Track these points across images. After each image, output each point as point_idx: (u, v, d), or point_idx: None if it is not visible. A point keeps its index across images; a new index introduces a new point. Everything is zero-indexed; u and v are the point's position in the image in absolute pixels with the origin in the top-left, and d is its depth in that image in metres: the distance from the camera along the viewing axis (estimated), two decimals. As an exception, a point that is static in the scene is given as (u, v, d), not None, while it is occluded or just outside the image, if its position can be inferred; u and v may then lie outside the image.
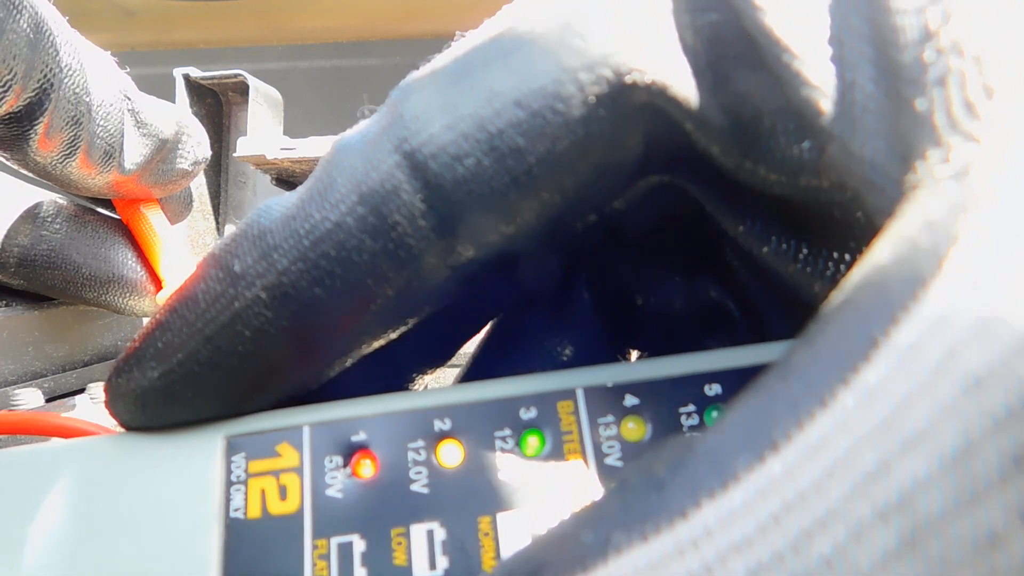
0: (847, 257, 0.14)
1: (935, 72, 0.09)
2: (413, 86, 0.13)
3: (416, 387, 0.20)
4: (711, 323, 0.19)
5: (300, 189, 0.14)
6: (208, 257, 0.14)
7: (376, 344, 0.15)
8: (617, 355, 0.20)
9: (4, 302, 0.33)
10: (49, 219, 0.30)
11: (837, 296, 0.08)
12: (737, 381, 0.15)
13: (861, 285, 0.08)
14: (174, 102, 0.45)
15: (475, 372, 0.20)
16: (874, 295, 0.07)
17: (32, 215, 0.30)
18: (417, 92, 0.13)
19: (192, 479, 0.15)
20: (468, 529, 0.14)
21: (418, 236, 0.13)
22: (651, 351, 0.20)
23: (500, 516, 0.14)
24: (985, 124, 0.08)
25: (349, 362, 0.15)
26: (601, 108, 0.12)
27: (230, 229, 0.47)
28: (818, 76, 0.11)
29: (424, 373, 0.20)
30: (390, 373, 0.19)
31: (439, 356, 0.19)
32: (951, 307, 0.07)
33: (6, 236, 0.30)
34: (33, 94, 0.21)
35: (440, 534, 0.14)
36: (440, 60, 0.13)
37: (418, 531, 0.14)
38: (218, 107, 0.48)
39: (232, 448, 0.15)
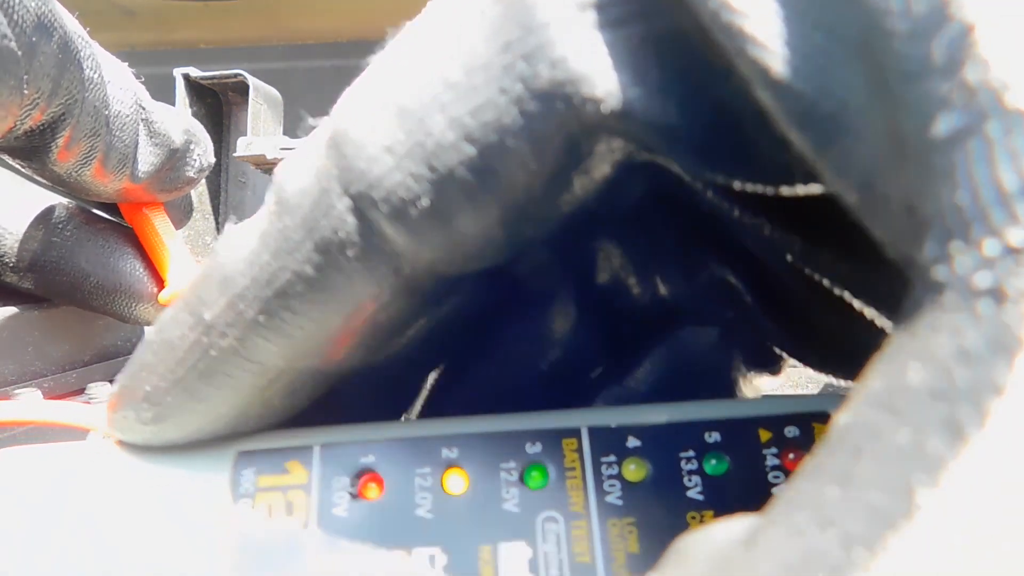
0: (842, 255, 0.14)
1: (942, 87, 0.07)
2: (354, 113, 0.12)
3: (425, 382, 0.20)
4: (718, 300, 0.18)
5: (257, 226, 0.13)
6: (180, 300, 0.14)
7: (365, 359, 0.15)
8: (611, 353, 0.20)
9: (4, 302, 0.33)
10: (60, 225, 0.30)
11: (863, 408, 0.07)
12: (736, 431, 0.15)
13: (892, 409, 0.07)
14: (174, 102, 0.45)
15: (441, 385, 0.20)
16: (910, 435, 0.07)
17: (44, 220, 0.30)
18: (360, 123, 0.12)
19: (203, 489, 0.15)
20: (469, 557, 0.14)
21: (381, 279, 0.12)
22: (649, 338, 0.19)
23: (501, 546, 0.14)
24: None
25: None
26: (559, 140, 0.11)
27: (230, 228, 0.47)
28: (791, 68, 0.09)
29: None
30: (402, 384, 0.18)
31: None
32: (998, 483, 0.06)
33: (18, 241, 0.30)
34: (57, 109, 0.21)
35: (441, 560, 0.14)
36: (380, 75, 0.12)
37: (420, 555, 0.14)
38: (218, 107, 0.48)
39: (242, 462, 0.15)
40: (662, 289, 0.19)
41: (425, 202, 0.12)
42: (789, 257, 0.15)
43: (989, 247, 0.07)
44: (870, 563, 0.06)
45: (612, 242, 0.18)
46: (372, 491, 0.15)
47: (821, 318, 0.16)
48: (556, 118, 0.11)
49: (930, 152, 0.08)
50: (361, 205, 0.12)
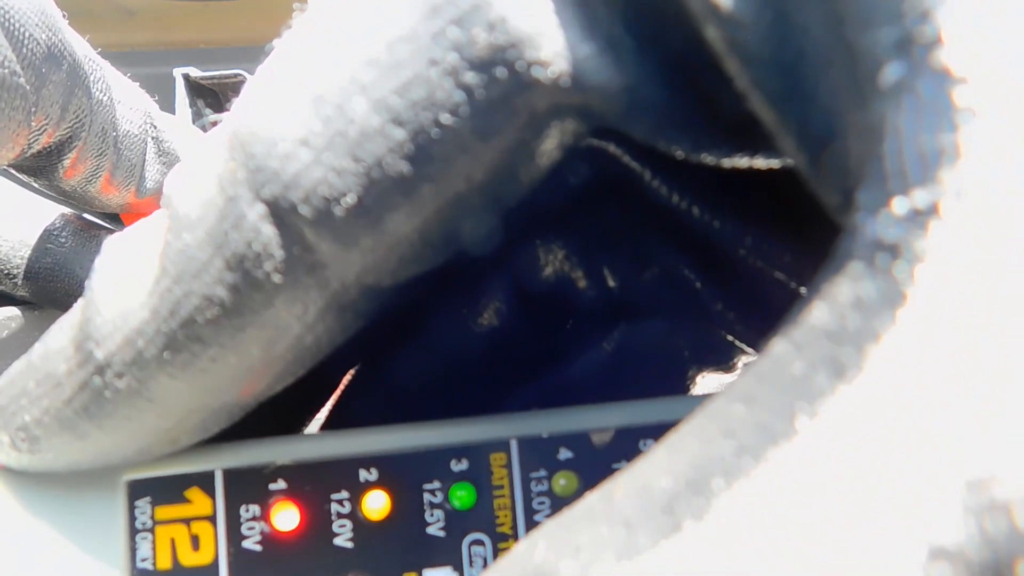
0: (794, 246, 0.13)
1: (896, 49, 0.07)
2: (260, 105, 0.11)
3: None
4: (669, 289, 0.17)
5: (150, 246, 0.11)
6: (65, 326, 0.12)
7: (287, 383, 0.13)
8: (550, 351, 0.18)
9: (4, 303, 0.33)
10: (56, 232, 0.30)
11: (780, 341, 0.08)
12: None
13: (795, 343, 0.08)
14: (174, 102, 0.44)
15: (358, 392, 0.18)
16: (803, 368, 0.07)
17: (40, 227, 0.30)
18: (268, 115, 0.10)
19: (92, 525, 0.13)
20: None
21: (305, 295, 0.11)
22: (593, 332, 0.18)
23: (427, 573, 0.14)
24: (939, 191, 0.07)
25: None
26: (502, 114, 0.10)
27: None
28: (746, 9, 0.09)
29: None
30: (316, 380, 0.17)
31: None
32: (851, 426, 0.07)
33: (13, 248, 0.30)
34: (65, 132, 0.22)
35: None
36: (288, 58, 0.11)
37: None
38: (218, 107, 0.48)
39: (135, 492, 0.14)
40: (611, 282, 0.18)
41: (352, 199, 0.10)
42: (741, 251, 0.14)
43: (898, 205, 0.07)
44: (753, 470, 0.07)
45: (553, 236, 0.17)
46: (286, 521, 0.14)
47: (774, 305, 0.16)
48: (498, 88, 0.10)
49: (874, 101, 0.08)
50: (278, 210, 0.10)
